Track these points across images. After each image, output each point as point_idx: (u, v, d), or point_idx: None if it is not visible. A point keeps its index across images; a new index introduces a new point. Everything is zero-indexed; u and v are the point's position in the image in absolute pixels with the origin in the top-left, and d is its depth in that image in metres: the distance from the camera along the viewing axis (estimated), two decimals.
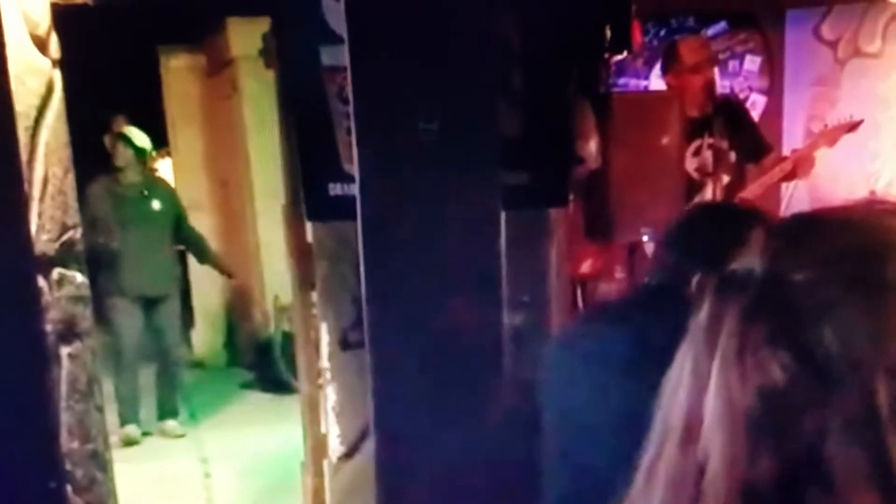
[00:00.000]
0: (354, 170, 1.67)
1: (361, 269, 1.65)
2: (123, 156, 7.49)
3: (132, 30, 8.23)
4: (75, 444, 4.43)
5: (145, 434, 7.66)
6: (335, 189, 3.56)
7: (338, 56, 2.96)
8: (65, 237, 4.40)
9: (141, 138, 7.56)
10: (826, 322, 0.92)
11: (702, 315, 0.99)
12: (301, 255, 5.19)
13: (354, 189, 1.68)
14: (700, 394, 0.96)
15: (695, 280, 2.54)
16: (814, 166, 5.61)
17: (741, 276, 0.98)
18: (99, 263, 7.08)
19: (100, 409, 4.75)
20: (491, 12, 1.98)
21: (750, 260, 0.99)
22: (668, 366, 2.43)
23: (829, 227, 1.02)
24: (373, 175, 1.62)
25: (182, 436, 7.49)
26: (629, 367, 2.45)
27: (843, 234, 0.99)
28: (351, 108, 1.65)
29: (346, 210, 2.00)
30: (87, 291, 4.55)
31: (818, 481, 0.91)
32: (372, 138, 1.61)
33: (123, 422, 7.45)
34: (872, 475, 0.91)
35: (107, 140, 7.63)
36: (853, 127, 5.79)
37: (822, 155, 5.95)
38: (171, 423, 7.71)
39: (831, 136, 5.85)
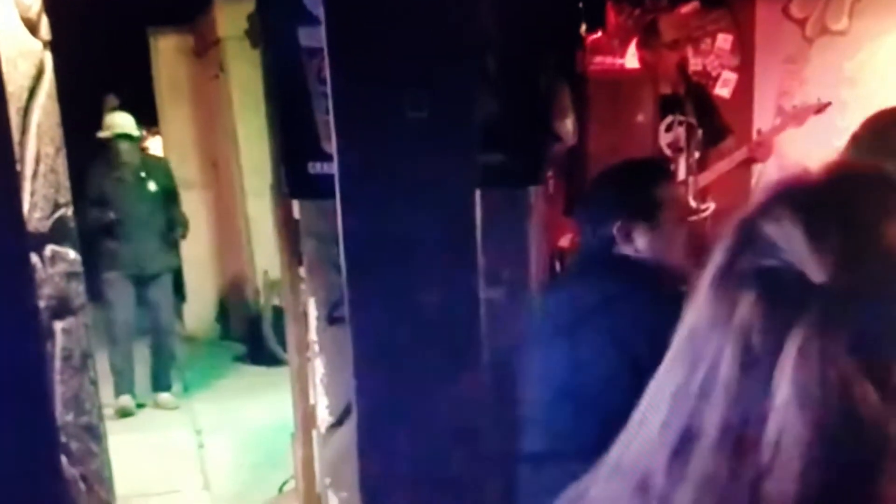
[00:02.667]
0: (332, 148, 1.66)
1: (340, 245, 1.64)
2: (117, 145, 7.47)
3: (121, 12, 8.16)
4: (70, 417, 4.43)
5: (140, 406, 7.67)
6: (314, 167, 3.57)
7: (316, 37, 2.97)
8: (57, 214, 4.39)
9: (127, 125, 7.51)
10: (885, 327, 0.89)
11: (748, 314, 0.92)
12: (288, 231, 5.19)
13: (333, 167, 1.66)
14: (757, 396, 0.90)
15: (618, 230, 2.59)
16: (772, 152, 5.63)
17: (796, 276, 0.92)
18: (97, 241, 7.20)
19: (94, 383, 4.74)
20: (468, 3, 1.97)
21: (797, 252, 0.92)
22: (601, 325, 2.41)
23: (855, 203, 0.97)
24: (350, 153, 1.61)
25: (176, 407, 7.53)
26: (570, 330, 2.49)
27: (870, 211, 0.96)
28: (328, 89, 1.63)
29: (325, 188, 1.99)
30: (79, 268, 4.55)
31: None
32: (349, 118, 1.61)
33: (118, 393, 7.46)
34: None
35: (101, 132, 7.52)
36: (821, 109, 5.83)
37: (790, 134, 5.96)
38: (165, 396, 7.73)
39: (799, 116, 5.88)
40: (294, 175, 3.73)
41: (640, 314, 2.38)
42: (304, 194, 4.19)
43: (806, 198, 0.98)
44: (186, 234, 8.11)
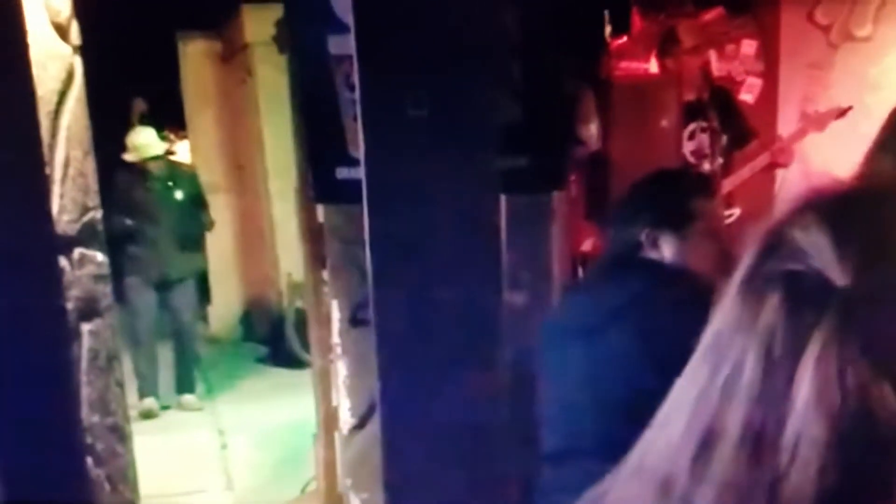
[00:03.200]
0: (360, 154, 1.68)
1: (367, 249, 1.66)
2: (130, 153, 7.52)
3: (150, 16, 8.18)
4: (96, 418, 4.46)
5: (164, 408, 7.69)
6: (342, 173, 3.56)
7: (345, 44, 2.97)
8: (85, 218, 4.42)
9: (151, 144, 7.56)
10: None
11: (773, 316, 0.93)
12: (312, 235, 5.22)
13: (360, 173, 1.68)
14: (780, 397, 0.91)
15: (646, 236, 2.59)
16: (794, 157, 5.60)
17: (820, 280, 0.92)
18: (122, 245, 7.18)
19: (119, 384, 4.78)
20: (491, 4, 1.98)
21: (822, 257, 0.93)
22: (625, 326, 2.41)
23: (876, 213, 0.98)
24: (377, 159, 1.63)
25: (199, 409, 7.55)
26: (593, 331, 2.48)
27: (886, 229, 0.96)
28: (357, 95, 1.65)
29: (353, 193, 2.01)
30: (106, 270, 4.58)
31: None
32: (377, 124, 1.62)
33: (142, 395, 7.49)
34: None
35: (126, 154, 7.56)
36: (842, 113, 5.80)
37: (814, 140, 5.94)
38: (188, 397, 7.75)
39: (821, 121, 5.86)
40: (321, 180, 3.73)
41: (664, 316, 2.38)
42: (332, 199, 4.19)
43: (833, 206, 0.99)
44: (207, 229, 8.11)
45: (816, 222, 0.96)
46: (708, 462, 0.95)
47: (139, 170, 7.53)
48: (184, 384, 7.81)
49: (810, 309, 0.92)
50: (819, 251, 0.94)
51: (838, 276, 0.92)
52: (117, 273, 6.84)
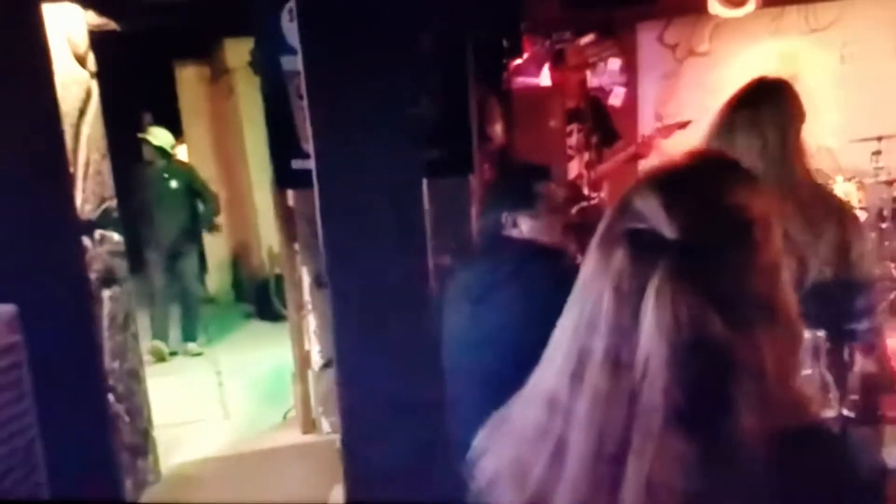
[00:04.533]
0: (310, 149, 1.62)
1: (318, 226, 1.61)
2: (148, 151, 7.52)
3: (153, 48, 8.10)
4: (116, 365, 4.40)
5: (173, 354, 7.61)
6: (297, 164, 3.57)
7: (295, 63, 2.99)
8: (104, 206, 4.39)
9: (163, 137, 7.51)
10: (721, 268, 0.95)
11: (622, 264, 0.96)
12: (285, 215, 5.18)
13: (311, 164, 1.63)
14: (629, 327, 0.94)
15: (506, 218, 2.61)
16: (652, 149, 5.67)
17: (655, 235, 0.96)
18: (139, 226, 7.30)
19: (135, 338, 4.71)
20: (415, 33, 1.94)
21: (656, 218, 0.97)
22: (503, 292, 2.40)
23: (695, 183, 1.02)
24: (324, 153, 1.59)
25: (200, 354, 7.44)
26: (479, 298, 2.51)
27: (705, 188, 1.00)
28: (305, 103, 1.60)
29: (306, 180, 1.96)
30: (122, 247, 4.54)
31: (729, 389, 0.92)
32: (322, 125, 1.58)
33: (154, 338, 7.50)
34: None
35: (143, 134, 7.54)
36: (683, 126, 5.86)
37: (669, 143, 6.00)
38: (191, 345, 7.69)
39: (667, 131, 5.94)
40: (280, 170, 3.73)
41: (530, 282, 2.38)
42: (289, 185, 4.24)
43: (663, 179, 1.03)
44: (216, 215, 7.99)
45: (651, 192, 1.00)
46: (581, 380, 0.97)
47: (148, 166, 7.52)
48: (188, 334, 7.74)
49: (648, 257, 0.95)
50: (653, 213, 0.98)
51: (668, 231, 0.96)
52: (138, 248, 7.09)
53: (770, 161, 2.25)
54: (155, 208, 7.46)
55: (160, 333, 7.57)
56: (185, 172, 7.81)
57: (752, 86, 2.39)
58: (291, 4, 3.20)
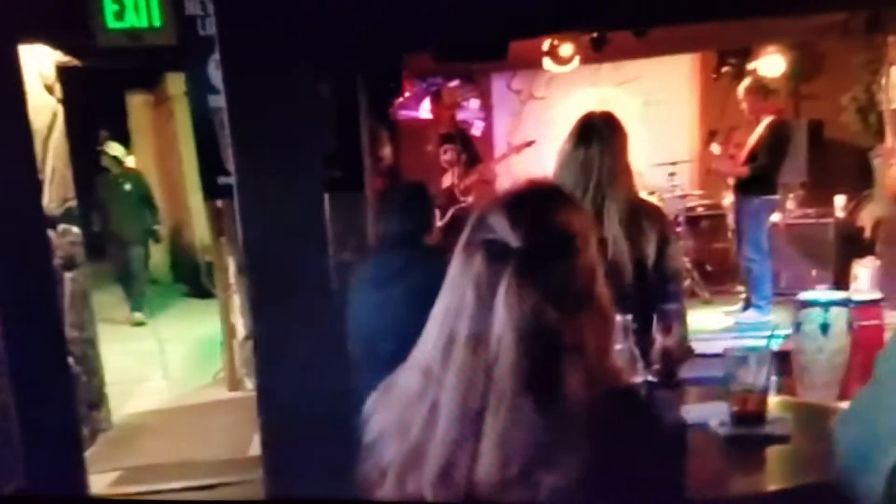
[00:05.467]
0: (231, 168, 1.59)
1: (238, 227, 1.59)
2: (105, 161, 7.40)
3: (108, 80, 8.16)
4: (76, 333, 4.28)
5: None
6: (221, 179, 3.56)
7: (219, 101, 2.97)
8: (66, 205, 4.40)
9: (117, 150, 7.49)
10: (552, 270, 0.96)
11: (479, 266, 0.96)
12: (215, 215, 5.08)
13: (232, 180, 1.60)
14: (486, 315, 0.94)
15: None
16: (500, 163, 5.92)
17: (503, 244, 0.96)
18: (101, 222, 7.22)
19: (91, 312, 4.53)
20: (316, 79, 1.93)
21: (503, 231, 0.97)
22: (401, 281, 2.38)
23: (532, 205, 1.02)
24: (242, 171, 1.57)
25: (145, 324, 7.18)
26: (382, 284, 2.50)
27: (539, 209, 1.01)
28: (227, 131, 1.57)
29: (229, 192, 1.92)
30: (80, 238, 4.53)
31: (565, 358, 0.94)
32: (241, 149, 1.56)
33: (133, 311, 7.50)
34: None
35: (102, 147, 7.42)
36: (528, 144, 6.05)
37: (519, 159, 6.11)
38: (138, 314, 7.49)
39: (517, 149, 6.10)
40: (208, 184, 3.71)
41: (420, 273, 2.37)
42: (216, 196, 4.16)
43: (509, 200, 1.02)
44: (158, 224, 7.80)
45: (500, 210, 0.99)
46: (450, 355, 0.97)
47: (106, 173, 7.41)
48: (136, 307, 7.55)
49: (499, 262, 0.95)
50: (502, 227, 0.97)
51: (514, 242, 0.96)
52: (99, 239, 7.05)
53: (606, 178, 2.22)
54: (110, 206, 7.34)
55: (136, 304, 7.48)
56: (136, 177, 7.71)
57: (584, 119, 2.32)
58: (217, 56, 3.16)
